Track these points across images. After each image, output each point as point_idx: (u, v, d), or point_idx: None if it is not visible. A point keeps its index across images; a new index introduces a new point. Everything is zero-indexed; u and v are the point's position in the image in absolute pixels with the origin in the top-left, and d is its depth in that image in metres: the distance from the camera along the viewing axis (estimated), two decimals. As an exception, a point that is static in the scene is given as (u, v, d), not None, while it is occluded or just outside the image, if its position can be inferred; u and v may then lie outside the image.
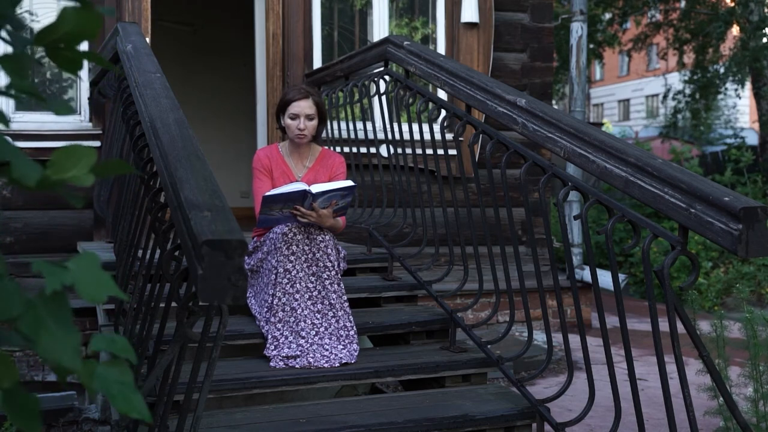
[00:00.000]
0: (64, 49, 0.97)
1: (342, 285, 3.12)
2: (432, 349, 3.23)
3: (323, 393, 3.17)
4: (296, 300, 3.01)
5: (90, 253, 0.95)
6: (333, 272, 3.09)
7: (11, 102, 4.78)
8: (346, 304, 3.09)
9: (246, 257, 3.16)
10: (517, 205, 5.40)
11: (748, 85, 14.06)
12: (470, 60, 5.67)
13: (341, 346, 3.00)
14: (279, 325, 2.99)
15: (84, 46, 4.19)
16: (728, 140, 16.16)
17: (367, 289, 3.57)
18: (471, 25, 5.71)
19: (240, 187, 7.80)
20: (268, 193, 3.02)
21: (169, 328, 2.16)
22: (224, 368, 2.82)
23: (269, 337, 2.98)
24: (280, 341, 2.96)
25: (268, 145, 3.67)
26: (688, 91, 14.89)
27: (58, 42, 0.96)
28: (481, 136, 3.03)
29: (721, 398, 2.92)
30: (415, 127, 3.97)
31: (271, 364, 2.91)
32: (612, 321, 5.51)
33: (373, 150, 4.65)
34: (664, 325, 2.50)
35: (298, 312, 3.00)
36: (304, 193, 3.02)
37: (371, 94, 4.03)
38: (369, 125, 4.65)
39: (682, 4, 14.61)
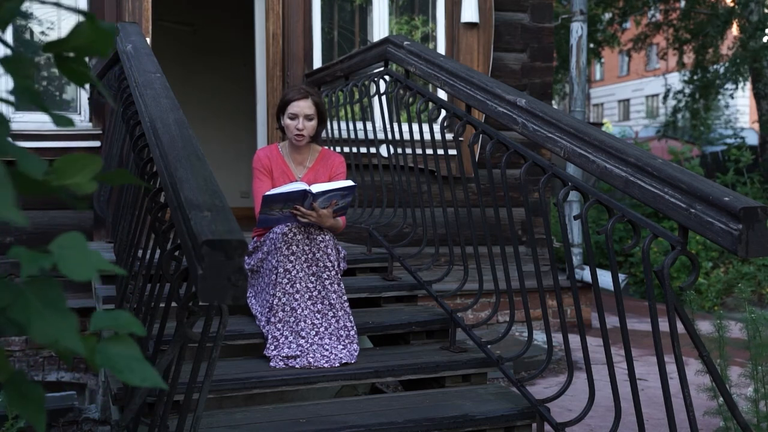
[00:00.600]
0: (74, 61, 0.98)
1: (342, 285, 3.12)
2: (432, 349, 3.23)
3: (323, 393, 3.17)
4: (296, 300, 3.01)
5: (75, 233, 0.93)
6: (333, 272, 3.09)
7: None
8: (346, 304, 3.09)
9: (246, 257, 3.16)
10: (517, 205, 5.40)
11: (748, 85, 14.06)
12: (470, 60, 5.67)
13: (341, 346, 3.00)
14: (279, 325, 2.99)
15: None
16: (728, 140, 16.15)
17: (367, 289, 3.57)
18: (471, 25, 5.71)
19: (240, 187, 7.80)
20: (268, 193, 3.02)
21: (169, 328, 2.16)
22: (224, 368, 2.82)
23: (269, 337, 2.98)
24: (280, 341, 2.96)
25: (268, 145, 3.67)
26: (687, 91, 14.89)
27: (68, 53, 0.96)
28: (481, 136, 3.03)
29: (721, 398, 2.92)
30: (415, 127, 3.97)
31: (271, 364, 2.91)
32: (612, 321, 5.51)
33: (373, 150, 4.65)
34: (664, 325, 2.51)
35: (298, 312, 3.00)
36: (304, 193, 3.02)
37: (371, 94, 4.03)
38: (369, 125, 4.65)
39: (682, 4, 14.61)
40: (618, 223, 2.35)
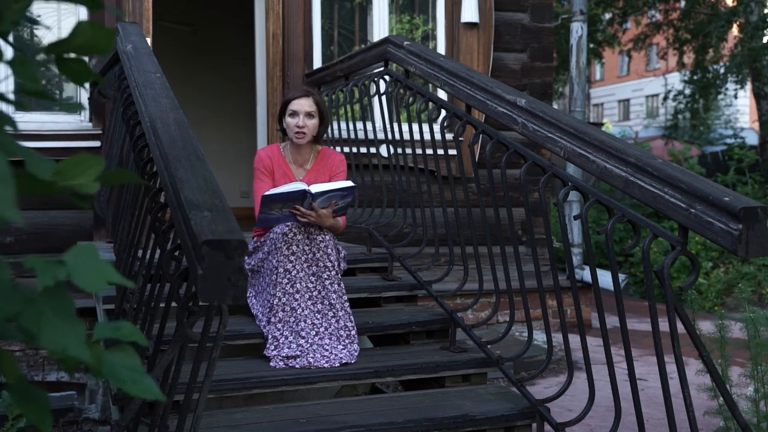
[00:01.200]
0: (74, 60, 0.99)
1: (342, 285, 3.12)
2: (432, 349, 3.23)
3: (323, 393, 3.17)
4: (296, 300, 3.01)
5: (88, 244, 0.95)
6: (333, 272, 3.09)
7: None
8: (347, 304, 3.09)
9: (247, 257, 3.16)
10: (517, 205, 5.40)
11: (748, 85, 14.06)
12: (470, 60, 5.67)
13: (341, 346, 3.00)
14: (279, 325, 2.99)
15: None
16: (728, 140, 16.16)
17: (367, 289, 3.57)
18: (471, 25, 5.71)
19: (240, 187, 7.80)
20: (267, 193, 3.01)
21: (169, 328, 2.15)
22: (224, 368, 2.82)
23: (269, 337, 2.98)
24: (280, 341, 2.96)
25: (269, 145, 3.67)
26: (688, 92, 14.89)
27: (68, 53, 0.97)
28: (481, 136, 3.03)
29: (721, 398, 2.92)
30: (415, 127, 3.97)
31: (271, 364, 2.91)
32: (612, 321, 5.51)
33: (373, 150, 4.65)
34: (664, 325, 2.50)
35: (298, 312, 3.00)
36: (304, 193, 3.02)
37: (371, 94, 4.03)
38: (369, 125, 4.65)
39: (682, 4, 14.61)
40: (618, 223, 2.35)
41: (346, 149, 4.41)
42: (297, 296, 3.02)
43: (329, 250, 3.09)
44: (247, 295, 3.03)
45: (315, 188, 3.05)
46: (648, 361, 5.07)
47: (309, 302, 3.04)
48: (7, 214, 0.78)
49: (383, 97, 3.93)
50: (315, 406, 2.80)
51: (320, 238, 3.10)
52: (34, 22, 0.97)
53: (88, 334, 0.89)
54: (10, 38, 0.97)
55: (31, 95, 0.95)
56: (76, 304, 0.90)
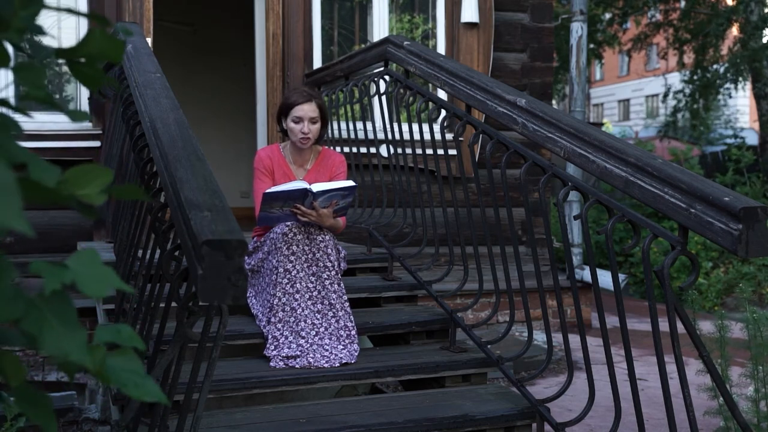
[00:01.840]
0: (85, 65, 1.00)
1: (342, 285, 3.12)
2: (432, 349, 3.23)
3: (323, 393, 3.17)
4: (296, 300, 3.01)
5: (90, 250, 0.95)
6: (333, 272, 3.09)
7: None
8: (347, 304, 3.09)
9: (247, 257, 3.16)
10: (517, 205, 5.40)
11: (748, 85, 14.06)
12: (470, 60, 5.67)
13: (341, 346, 3.00)
14: (279, 325, 2.99)
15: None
16: (728, 140, 16.16)
17: (367, 289, 3.57)
18: (471, 25, 5.71)
19: (240, 187, 7.80)
20: (268, 191, 3.01)
21: (169, 328, 2.16)
22: (224, 368, 2.82)
23: (269, 337, 2.98)
24: (280, 341, 2.96)
25: (269, 145, 3.67)
26: (688, 91, 14.89)
27: (80, 58, 0.98)
28: (481, 136, 3.03)
29: (722, 398, 2.92)
30: (415, 127, 3.97)
31: (271, 364, 2.91)
32: (612, 321, 5.51)
33: (373, 150, 4.65)
34: (664, 325, 2.51)
35: (298, 312, 3.00)
36: (305, 192, 3.02)
37: (371, 94, 4.03)
38: (369, 125, 4.65)
39: (682, 4, 14.60)
40: (618, 223, 2.35)
41: (346, 149, 4.41)
42: (297, 296, 3.02)
43: (329, 250, 3.09)
44: (247, 295, 3.03)
45: (316, 187, 3.05)
46: (648, 361, 5.07)
47: (309, 302, 3.04)
48: (15, 225, 0.78)
49: (383, 97, 3.93)
50: (315, 406, 2.80)
51: (320, 238, 3.10)
52: (41, 31, 0.97)
53: (89, 334, 0.89)
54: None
55: (36, 101, 0.96)
56: (76, 304, 0.91)
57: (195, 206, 1.76)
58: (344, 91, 4.36)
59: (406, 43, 3.66)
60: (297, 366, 2.90)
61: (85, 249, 0.95)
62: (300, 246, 3.06)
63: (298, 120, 3.29)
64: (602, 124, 25.25)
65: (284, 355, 2.92)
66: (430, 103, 3.39)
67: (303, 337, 2.97)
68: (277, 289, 3.01)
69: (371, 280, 3.73)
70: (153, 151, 2.29)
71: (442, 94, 4.69)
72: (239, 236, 1.61)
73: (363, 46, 5.37)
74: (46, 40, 4.78)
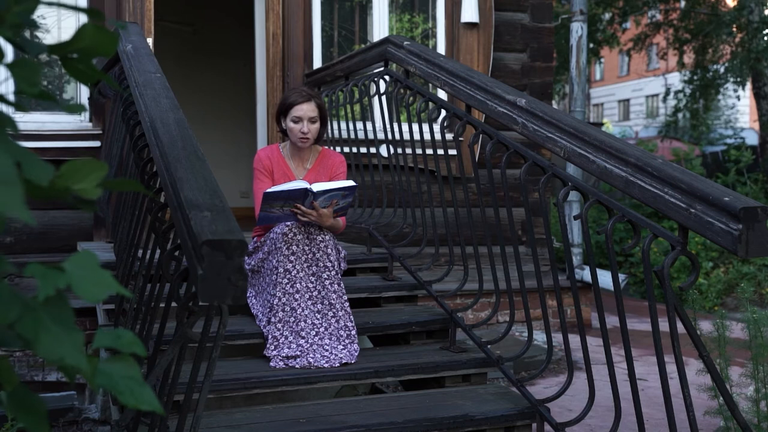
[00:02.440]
0: (79, 61, 0.99)
1: (342, 285, 3.12)
2: (432, 349, 3.23)
3: (323, 393, 3.17)
4: (296, 300, 3.01)
5: (87, 252, 0.95)
6: (333, 272, 3.09)
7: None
8: (347, 304, 3.09)
9: (247, 257, 3.16)
10: (517, 205, 5.40)
11: (748, 85, 14.05)
12: (470, 60, 5.67)
13: (341, 346, 3.00)
14: (279, 325, 2.99)
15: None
16: (728, 140, 16.16)
17: (367, 289, 3.57)
18: (471, 25, 5.71)
19: (240, 187, 7.80)
20: (268, 190, 3.01)
21: (169, 328, 2.16)
22: (224, 368, 2.82)
23: (269, 337, 2.98)
24: (280, 341, 2.96)
25: (269, 146, 3.67)
26: (688, 91, 14.89)
27: (73, 54, 0.98)
28: (481, 136, 3.03)
29: (722, 398, 2.92)
30: (415, 127, 3.97)
31: (271, 364, 2.91)
32: (612, 321, 5.51)
33: (373, 150, 4.65)
34: (664, 325, 2.50)
35: (298, 312, 3.00)
36: (305, 192, 3.02)
37: (371, 94, 4.03)
38: (369, 125, 4.65)
39: (682, 4, 14.60)
40: (618, 223, 2.35)
41: (346, 149, 4.41)
42: (297, 296, 3.02)
43: (329, 250, 3.09)
44: (247, 295, 3.03)
45: (317, 187, 3.05)
46: (648, 361, 5.07)
47: (309, 302, 3.04)
48: (17, 214, 0.78)
49: (383, 97, 3.93)
50: (315, 406, 2.80)
51: (320, 238, 3.10)
52: (36, 26, 0.96)
53: (90, 334, 0.89)
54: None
55: (32, 97, 0.95)
56: (76, 304, 0.90)
57: (195, 206, 1.76)
58: (344, 91, 4.36)
59: (406, 43, 3.66)
60: (297, 366, 2.90)
61: (83, 251, 0.95)
62: (300, 246, 3.06)
63: (297, 120, 3.29)
64: (602, 124, 25.25)
65: (284, 355, 2.92)
66: (430, 103, 3.39)
67: (303, 337, 2.97)
68: (277, 289, 3.01)
69: (371, 280, 3.73)
70: (153, 151, 2.29)
71: (442, 94, 4.69)
72: (239, 236, 1.61)
73: (363, 46, 5.37)
74: (46, 40, 4.78)
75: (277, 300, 3.00)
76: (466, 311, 3.47)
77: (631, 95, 34.92)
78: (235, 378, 2.77)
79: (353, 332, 3.05)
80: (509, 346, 4.10)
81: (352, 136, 4.32)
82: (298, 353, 2.93)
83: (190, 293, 1.88)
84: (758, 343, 3.24)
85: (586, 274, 5.97)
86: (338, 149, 4.27)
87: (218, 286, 1.56)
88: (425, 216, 3.74)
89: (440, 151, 4.44)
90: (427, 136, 3.97)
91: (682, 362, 2.18)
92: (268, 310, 3.02)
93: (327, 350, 2.97)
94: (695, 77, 14.45)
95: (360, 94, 4.16)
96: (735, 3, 12.98)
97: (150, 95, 2.59)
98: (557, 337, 5.15)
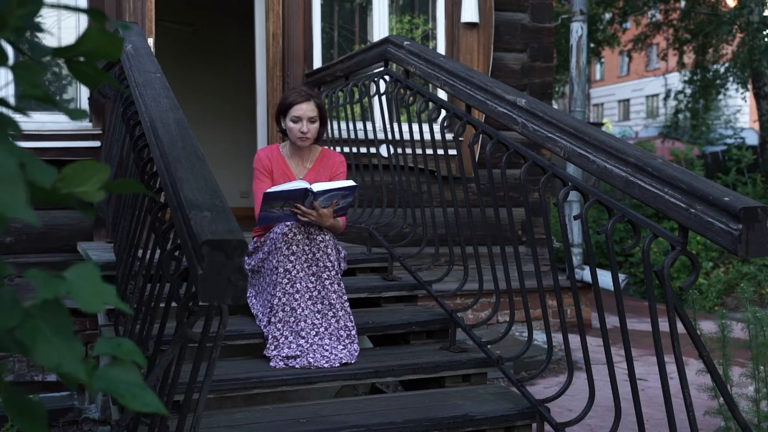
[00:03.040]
0: (84, 64, 0.99)
1: (342, 285, 3.12)
2: (432, 349, 3.23)
3: (323, 393, 3.17)
4: (296, 300, 3.01)
5: (91, 263, 0.95)
6: (333, 272, 3.09)
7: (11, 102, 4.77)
8: (347, 304, 3.09)
9: (247, 257, 3.16)
10: (517, 205, 5.40)
11: (748, 85, 14.05)
12: (470, 60, 5.67)
13: (341, 346, 3.00)
14: (279, 325, 2.99)
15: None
16: (728, 140, 16.16)
17: (367, 289, 3.57)
18: (471, 25, 5.71)
19: (240, 187, 7.80)
20: (269, 190, 3.01)
21: (169, 328, 2.16)
22: (224, 368, 2.82)
23: (269, 337, 2.98)
24: (280, 341, 2.96)
25: (268, 146, 3.67)
26: (688, 92, 14.89)
27: (78, 56, 0.97)
28: (481, 136, 3.03)
29: (722, 398, 2.92)
30: (415, 127, 3.97)
31: (271, 364, 2.91)
32: (612, 321, 5.51)
33: (373, 150, 4.65)
34: (664, 325, 2.51)
35: (298, 312, 3.00)
36: (305, 192, 3.02)
37: (371, 94, 4.03)
38: (369, 125, 4.65)
39: (682, 4, 14.60)
40: (618, 223, 2.35)
41: (346, 149, 4.41)
42: (297, 296, 3.02)
43: (329, 250, 3.09)
44: (247, 295, 3.03)
45: (317, 187, 3.05)
46: (648, 361, 5.07)
47: (309, 302, 3.04)
48: (21, 215, 0.78)
49: (383, 97, 3.93)
50: (315, 406, 2.80)
51: (320, 238, 3.10)
52: (39, 29, 0.96)
53: (90, 333, 0.88)
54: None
55: (34, 99, 0.95)
56: (75, 304, 0.90)
57: (195, 206, 1.76)
58: (344, 91, 4.36)
59: (406, 43, 3.66)
60: (297, 366, 2.90)
61: (86, 263, 0.95)
62: (300, 246, 3.06)
63: (297, 119, 3.30)
64: (602, 124, 25.25)
65: (284, 355, 2.92)
66: (430, 103, 3.39)
67: (303, 337, 2.97)
68: (277, 289, 3.01)
69: (371, 280, 3.73)
70: (153, 151, 2.29)
71: (442, 94, 4.69)
72: (239, 236, 1.61)
73: (363, 46, 5.37)
74: (47, 40, 4.78)
75: (277, 300, 3.00)
76: (466, 311, 3.47)
77: (631, 95, 34.92)
78: (235, 378, 2.77)
79: (353, 332, 3.05)
80: (509, 346, 4.10)
81: (352, 136, 4.32)
82: (298, 353, 2.93)
83: (190, 293, 1.88)
84: (758, 342, 3.24)
85: (586, 274, 5.97)
86: (338, 149, 4.27)
87: (218, 286, 1.56)
88: (425, 216, 3.74)
89: (440, 151, 4.44)
90: (427, 136, 3.97)
91: (682, 362, 2.18)
92: (268, 310, 3.02)
93: (327, 350, 2.97)
94: (695, 77, 14.46)
95: (360, 94, 4.16)
96: (735, 3, 12.97)
97: (150, 95, 2.59)
98: (557, 337, 5.15)
